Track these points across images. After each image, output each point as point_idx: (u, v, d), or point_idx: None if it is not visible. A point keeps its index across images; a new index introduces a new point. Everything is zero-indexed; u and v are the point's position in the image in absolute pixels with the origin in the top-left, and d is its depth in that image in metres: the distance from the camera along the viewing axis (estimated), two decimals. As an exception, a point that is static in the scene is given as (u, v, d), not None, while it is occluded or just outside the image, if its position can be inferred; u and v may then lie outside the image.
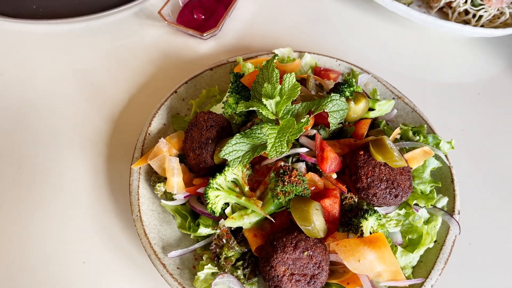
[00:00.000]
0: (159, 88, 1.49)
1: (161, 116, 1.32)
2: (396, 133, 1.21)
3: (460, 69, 1.65)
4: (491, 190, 1.37)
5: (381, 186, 1.06)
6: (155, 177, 1.20)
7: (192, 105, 1.38)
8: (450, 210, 1.20)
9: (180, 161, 1.20)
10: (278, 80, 1.12)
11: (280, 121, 1.09)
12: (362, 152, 1.09)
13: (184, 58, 1.59)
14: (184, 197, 1.16)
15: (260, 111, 1.08)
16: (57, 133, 1.39)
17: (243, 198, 1.09)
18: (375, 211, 1.07)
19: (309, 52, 1.47)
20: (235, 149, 1.09)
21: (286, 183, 1.04)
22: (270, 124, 1.07)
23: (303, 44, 1.64)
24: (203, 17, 1.65)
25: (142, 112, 1.42)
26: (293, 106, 1.13)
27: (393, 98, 1.41)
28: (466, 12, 1.69)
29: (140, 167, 1.21)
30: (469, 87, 1.60)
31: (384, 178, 1.07)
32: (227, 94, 1.24)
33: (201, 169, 1.16)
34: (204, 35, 1.57)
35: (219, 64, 1.44)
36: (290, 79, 1.09)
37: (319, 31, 1.70)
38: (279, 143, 1.04)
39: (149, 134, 1.28)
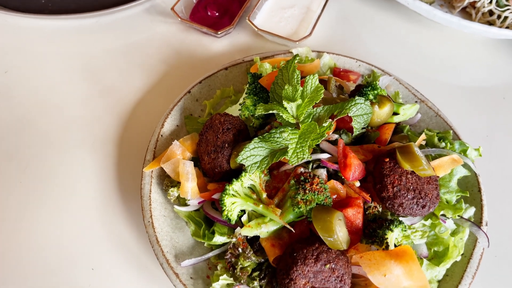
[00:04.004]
0: (171, 88, 1.43)
1: (174, 117, 1.27)
2: (421, 139, 1.15)
3: (483, 72, 1.59)
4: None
5: (408, 196, 1.00)
6: (167, 181, 1.14)
7: (206, 106, 1.32)
8: (477, 221, 1.14)
9: (194, 165, 1.15)
10: (300, 82, 1.06)
11: (300, 125, 1.04)
12: (387, 160, 1.03)
13: (197, 57, 1.53)
14: (198, 203, 1.11)
15: (281, 114, 1.02)
16: (65, 133, 1.34)
17: (261, 205, 1.04)
18: (401, 222, 1.01)
19: (328, 52, 1.41)
20: (253, 153, 1.03)
21: (307, 191, 0.99)
22: (291, 129, 1.01)
23: (322, 44, 1.58)
24: (217, 14, 1.59)
25: (154, 112, 1.36)
26: (315, 109, 1.07)
27: (416, 102, 1.35)
28: (491, 13, 1.62)
29: (152, 171, 1.16)
30: (493, 91, 1.53)
31: (411, 187, 1.01)
32: (244, 95, 1.18)
33: (216, 173, 1.11)
34: (219, 33, 1.51)
35: (234, 64, 1.38)
36: (313, 81, 1.03)
37: (339, 31, 1.64)
38: (300, 149, 0.99)
39: (161, 135, 1.23)
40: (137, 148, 1.30)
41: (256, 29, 1.52)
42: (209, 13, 1.59)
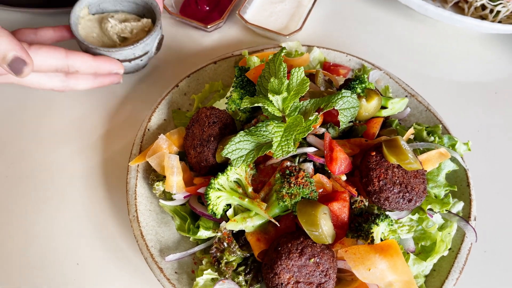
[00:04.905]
0: (160, 82, 1.42)
1: (161, 111, 1.26)
2: (410, 133, 1.14)
3: (476, 67, 1.58)
4: (509, 195, 1.30)
5: (394, 190, 0.99)
6: (153, 176, 1.14)
7: (194, 100, 1.31)
8: (465, 216, 1.13)
9: (181, 159, 1.14)
10: (286, 75, 1.05)
11: (287, 119, 1.03)
12: (374, 153, 1.03)
13: (186, 51, 1.52)
14: (184, 197, 1.10)
15: (266, 107, 1.01)
16: (51, 127, 1.33)
17: (246, 199, 1.03)
18: (387, 216, 1.00)
19: (318, 47, 1.40)
20: (238, 147, 1.03)
21: (292, 185, 0.98)
22: (276, 122, 1.00)
23: (313, 38, 1.57)
24: (207, 8, 1.58)
25: (142, 106, 1.35)
26: (301, 102, 1.06)
27: (406, 96, 1.34)
28: (483, 7, 1.61)
29: (138, 165, 1.15)
30: (485, 86, 1.52)
31: (398, 181, 1.00)
32: (231, 89, 1.17)
33: (202, 167, 1.10)
34: (208, 27, 1.50)
35: (223, 58, 1.37)
36: (299, 74, 1.02)
37: (330, 25, 1.62)
38: (286, 142, 0.98)
39: (148, 130, 1.22)
40: (124, 143, 1.29)
41: (246, 24, 1.50)
42: (199, 7, 1.58)
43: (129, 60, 1.27)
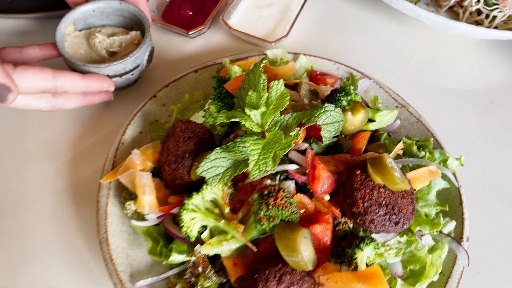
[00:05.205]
0: (137, 92, 1.35)
1: (137, 124, 1.19)
2: (398, 148, 1.07)
3: (471, 74, 1.51)
4: (505, 213, 1.23)
5: (380, 212, 0.92)
6: (126, 193, 1.07)
7: (173, 111, 1.24)
8: (457, 236, 1.06)
9: (157, 175, 1.08)
10: (266, 87, 0.99)
11: (266, 134, 0.96)
12: (359, 172, 0.96)
13: (168, 59, 1.45)
14: (157, 217, 1.03)
15: (243, 123, 0.95)
16: (19, 138, 1.26)
17: (223, 221, 0.96)
18: (372, 240, 0.93)
19: (304, 54, 1.33)
20: (214, 165, 0.96)
21: (270, 207, 0.91)
22: (254, 138, 0.94)
23: (300, 45, 1.50)
24: (190, 13, 1.51)
25: (118, 118, 1.28)
26: (282, 116, 1.00)
27: (397, 107, 1.27)
28: (479, 12, 1.54)
29: (110, 182, 1.08)
30: (481, 95, 1.46)
31: (384, 202, 0.93)
32: (209, 101, 1.11)
33: (177, 185, 1.03)
34: (190, 33, 1.43)
35: (204, 66, 1.31)
36: (278, 87, 0.96)
37: (318, 31, 1.55)
38: (264, 161, 0.91)
39: (122, 143, 1.15)
40: (97, 157, 1.22)
41: (230, 30, 1.44)
42: (182, 12, 1.51)
43: (120, 75, 1.21)
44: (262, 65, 1.01)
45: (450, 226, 1.06)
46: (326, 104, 0.98)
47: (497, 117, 1.41)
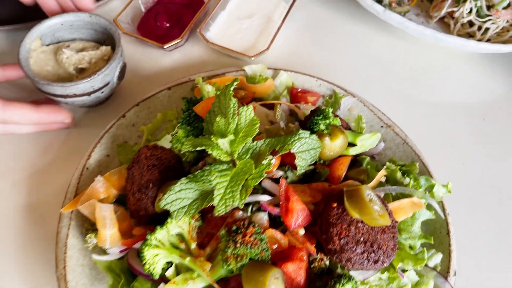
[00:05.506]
0: (108, 110, 1.27)
1: (104, 146, 1.12)
2: (380, 175, 0.99)
3: (462, 89, 1.43)
4: (496, 243, 1.15)
5: (357, 250, 0.85)
6: (88, 224, 0.99)
7: (144, 132, 1.17)
8: (444, 270, 0.99)
9: (123, 203, 1.00)
10: (236, 112, 0.91)
11: (237, 162, 0.89)
12: (335, 205, 0.88)
13: (143, 73, 1.38)
14: (120, 251, 0.96)
15: (211, 152, 0.87)
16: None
17: (188, 258, 0.88)
18: (350, 278, 0.86)
19: (285, 70, 1.26)
20: (179, 196, 0.88)
21: (238, 244, 0.84)
22: (221, 169, 0.86)
23: (282, 59, 1.42)
24: (167, 24, 1.44)
25: (85, 140, 1.20)
26: (255, 143, 0.92)
27: (382, 127, 1.20)
28: (471, 23, 1.47)
29: (72, 211, 1.01)
30: (472, 111, 1.38)
31: (362, 239, 0.86)
32: (178, 124, 1.03)
33: (142, 216, 0.95)
34: (166, 47, 1.35)
35: (178, 83, 1.23)
36: (247, 114, 0.88)
37: (301, 45, 1.48)
38: (231, 195, 0.84)
39: (87, 168, 1.08)
40: (61, 184, 1.14)
41: (207, 43, 1.36)
42: (158, 24, 1.43)
43: (88, 94, 1.14)
44: (232, 88, 0.94)
45: (436, 259, 0.99)
46: (301, 131, 0.91)
47: (490, 135, 1.34)
